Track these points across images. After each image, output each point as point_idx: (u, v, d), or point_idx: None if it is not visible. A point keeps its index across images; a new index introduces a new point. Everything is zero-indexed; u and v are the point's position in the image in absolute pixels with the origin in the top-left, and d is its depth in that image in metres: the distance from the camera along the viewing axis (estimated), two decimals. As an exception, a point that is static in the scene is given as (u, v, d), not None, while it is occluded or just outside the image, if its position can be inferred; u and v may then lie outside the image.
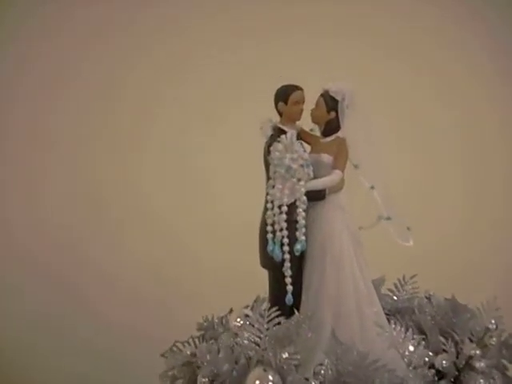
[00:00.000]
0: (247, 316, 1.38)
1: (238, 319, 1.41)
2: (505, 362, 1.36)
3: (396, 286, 1.55)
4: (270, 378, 1.14)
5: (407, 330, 1.30)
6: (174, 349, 1.45)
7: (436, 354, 1.33)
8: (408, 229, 1.39)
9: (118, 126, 2.42)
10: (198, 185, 2.40)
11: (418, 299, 1.54)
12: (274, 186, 1.28)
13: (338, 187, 1.33)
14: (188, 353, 1.39)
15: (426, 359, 1.31)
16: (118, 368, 2.15)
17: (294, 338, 1.20)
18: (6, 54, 2.41)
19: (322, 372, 1.16)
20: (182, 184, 2.40)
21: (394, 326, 1.30)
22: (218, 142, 2.37)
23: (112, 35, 2.44)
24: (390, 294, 1.56)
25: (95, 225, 2.40)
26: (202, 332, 1.49)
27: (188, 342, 1.44)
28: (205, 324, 1.49)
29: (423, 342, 1.30)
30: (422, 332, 1.40)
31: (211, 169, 2.41)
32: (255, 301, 1.53)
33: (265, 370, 1.16)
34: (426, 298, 1.54)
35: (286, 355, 1.17)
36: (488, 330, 1.28)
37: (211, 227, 2.36)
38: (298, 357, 1.17)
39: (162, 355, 1.44)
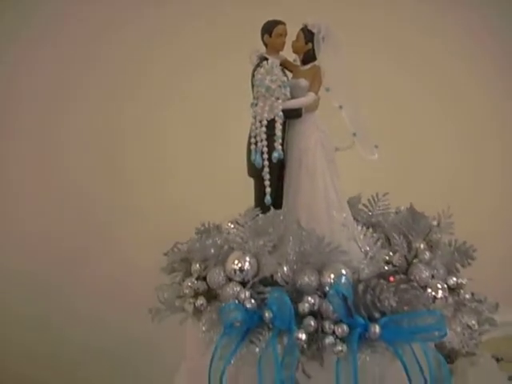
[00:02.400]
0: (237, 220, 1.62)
1: (230, 223, 1.66)
2: (458, 265, 1.57)
3: (370, 202, 1.76)
4: (247, 258, 1.39)
5: (368, 228, 1.53)
6: (175, 249, 1.70)
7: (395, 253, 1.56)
8: (376, 147, 1.60)
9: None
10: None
11: (389, 215, 1.75)
12: (256, 105, 1.51)
13: (312, 107, 1.55)
14: (185, 249, 1.64)
15: (386, 258, 1.54)
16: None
17: (269, 229, 1.44)
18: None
19: (290, 256, 1.39)
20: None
21: (356, 224, 1.53)
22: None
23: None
24: (365, 209, 1.77)
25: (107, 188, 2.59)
26: (200, 235, 1.74)
27: (187, 243, 1.69)
28: (202, 228, 1.74)
29: (381, 240, 1.52)
30: (389, 242, 1.62)
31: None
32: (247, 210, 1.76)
33: (243, 253, 1.41)
34: (396, 212, 1.75)
35: (261, 242, 1.42)
36: (432, 226, 1.49)
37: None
38: (271, 244, 1.41)
39: (165, 254, 1.69)
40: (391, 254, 1.55)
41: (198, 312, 1.43)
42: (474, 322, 1.49)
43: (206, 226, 1.73)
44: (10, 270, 2.52)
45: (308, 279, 1.32)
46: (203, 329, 1.39)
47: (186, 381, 1.60)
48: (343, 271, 1.32)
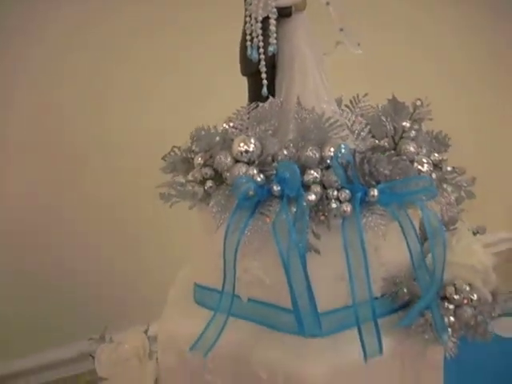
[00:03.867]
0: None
1: (224, 124, 1.74)
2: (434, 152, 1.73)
3: (351, 103, 1.89)
4: (252, 141, 1.49)
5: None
6: (172, 153, 1.77)
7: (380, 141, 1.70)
8: (358, 44, 1.73)
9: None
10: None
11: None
12: (251, 3, 1.61)
13: (301, 6, 1.66)
14: (185, 148, 1.71)
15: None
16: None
17: (269, 116, 1.55)
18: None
19: (293, 134, 1.50)
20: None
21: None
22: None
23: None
24: (347, 109, 1.89)
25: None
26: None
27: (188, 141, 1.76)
28: (195, 132, 1.81)
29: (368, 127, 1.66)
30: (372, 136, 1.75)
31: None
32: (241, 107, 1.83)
33: (248, 136, 1.51)
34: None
35: (263, 127, 1.53)
36: (416, 106, 1.63)
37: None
38: (272, 128, 1.53)
39: (163, 158, 1.76)
40: (377, 141, 1.69)
41: (207, 196, 1.53)
42: (453, 197, 1.66)
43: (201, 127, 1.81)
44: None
45: (310, 153, 1.43)
46: (213, 210, 1.49)
47: (196, 263, 1.72)
48: (342, 144, 1.45)
